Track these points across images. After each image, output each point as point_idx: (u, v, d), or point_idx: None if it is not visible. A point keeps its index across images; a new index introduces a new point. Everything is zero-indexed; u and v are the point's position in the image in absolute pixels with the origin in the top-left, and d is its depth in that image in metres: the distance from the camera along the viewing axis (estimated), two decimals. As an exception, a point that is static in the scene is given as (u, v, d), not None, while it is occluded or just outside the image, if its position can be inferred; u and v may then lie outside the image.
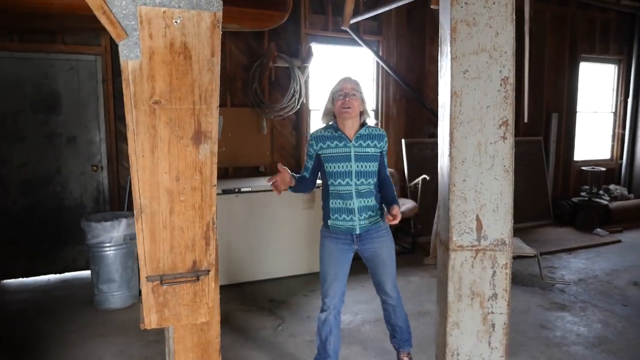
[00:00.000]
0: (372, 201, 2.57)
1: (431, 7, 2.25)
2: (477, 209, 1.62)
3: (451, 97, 1.63)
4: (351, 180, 2.51)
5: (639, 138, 7.64)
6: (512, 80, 1.63)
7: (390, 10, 5.79)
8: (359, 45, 5.72)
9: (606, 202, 6.99)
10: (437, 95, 6.40)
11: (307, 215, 4.74)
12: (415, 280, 4.65)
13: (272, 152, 5.48)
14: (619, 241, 6.17)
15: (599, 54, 7.58)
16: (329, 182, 2.56)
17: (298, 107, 5.25)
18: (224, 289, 4.29)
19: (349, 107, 2.50)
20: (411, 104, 6.16)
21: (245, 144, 5.30)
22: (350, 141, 2.54)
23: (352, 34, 5.60)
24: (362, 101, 2.59)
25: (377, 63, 5.94)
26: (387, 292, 2.73)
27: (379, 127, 3.27)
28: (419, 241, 5.69)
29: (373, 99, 6.05)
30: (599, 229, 6.53)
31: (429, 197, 5.64)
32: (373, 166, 2.55)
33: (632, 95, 7.68)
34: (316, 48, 5.45)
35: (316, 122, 5.73)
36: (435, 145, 6.32)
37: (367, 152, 2.54)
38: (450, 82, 1.64)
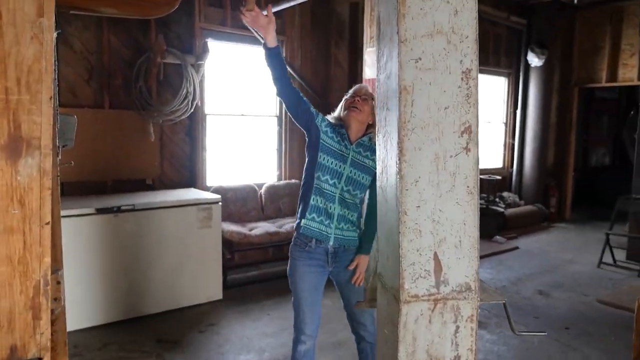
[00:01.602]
0: (353, 216, 2.34)
1: None
2: (435, 244, 1.22)
3: (400, 93, 1.20)
4: (339, 182, 2.27)
5: (527, 147, 8.06)
6: (475, 74, 1.25)
7: (295, 8, 5.37)
8: (261, 44, 5.20)
9: (502, 210, 7.22)
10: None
11: (202, 236, 4.09)
12: (326, 303, 4.22)
13: (161, 162, 4.74)
14: (517, 248, 6.34)
15: (492, 67, 7.87)
16: (316, 175, 2.27)
17: (192, 110, 4.58)
18: (98, 331, 3.50)
19: (357, 108, 2.30)
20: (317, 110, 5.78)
21: (129, 152, 4.50)
22: (351, 144, 2.32)
23: (253, 30, 5.07)
24: (373, 112, 2.30)
25: (281, 65, 5.47)
26: (367, 327, 2.39)
27: None
28: (328, 257, 5.30)
29: (276, 104, 5.57)
30: (497, 236, 6.67)
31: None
32: (365, 179, 2.32)
33: (521, 107, 8.09)
34: (213, 45, 4.83)
35: (213, 128, 5.10)
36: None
37: (365, 162, 2.32)
38: (397, 73, 1.21)
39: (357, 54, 6.01)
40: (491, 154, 8.25)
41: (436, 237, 1.25)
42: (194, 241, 4.05)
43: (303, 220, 2.31)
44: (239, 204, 4.98)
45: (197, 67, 4.59)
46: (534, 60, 7.67)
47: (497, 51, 7.89)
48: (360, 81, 6.01)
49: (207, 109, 4.99)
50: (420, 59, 1.23)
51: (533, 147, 7.97)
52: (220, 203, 4.18)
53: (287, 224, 4.87)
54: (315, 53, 5.74)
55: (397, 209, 1.24)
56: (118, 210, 3.69)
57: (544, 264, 5.63)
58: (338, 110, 2.43)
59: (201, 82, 4.74)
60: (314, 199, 2.28)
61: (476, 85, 1.27)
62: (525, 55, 7.84)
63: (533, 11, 7.86)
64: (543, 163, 8.06)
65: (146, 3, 3.94)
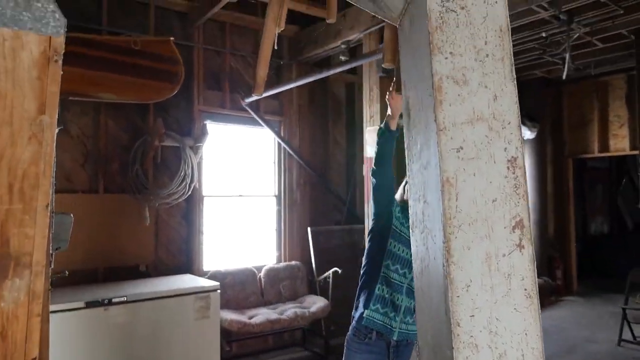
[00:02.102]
0: None
1: (383, 65, 1.78)
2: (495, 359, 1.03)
3: (442, 185, 1.08)
4: (409, 273, 2.12)
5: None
6: (521, 162, 1.14)
7: (292, 89, 5.45)
8: (260, 125, 5.22)
9: (509, 285, 6.94)
10: (342, 179, 5.87)
11: (200, 327, 3.79)
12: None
13: (156, 247, 4.52)
14: (529, 327, 6.00)
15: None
16: (385, 264, 2.15)
17: (189, 192, 4.46)
18: None
19: None
20: (316, 189, 5.69)
21: (122, 238, 4.30)
22: None
23: (252, 112, 5.10)
24: None
25: (279, 145, 5.45)
26: None
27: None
28: (332, 344, 4.94)
29: (275, 184, 5.47)
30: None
31: (341, 293, 5.00)
32: None
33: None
34: (211, 127, 4.81)
35: (210, 210, 4.95)
36: (344, 233, 5.90)
37: None
38: (438, 163, 1.09)
39: (354, 132, 6.04)
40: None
41: (495, 351, 1.06)
42: (191, 333, 3.74)
43: (366, 311, 2.13)
44: (237, 288, 4.71)
45: (196, 149, 4.52)
46: (527, 133, 7.78)
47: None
48: (360, 159, 5.99)
49: (205, 190, 4.87)
50: (461, 148, 1.12)
51: (534, 219, 7.85)
52: (218, 291, 3.93)
53: (289, 310, 4.59)
54: (313, 132, 5.75)
55: (447, 319, 1.06)
56: (109, 302, 3.43)
57: (562, 343, 5.30)
58: (401, 190, 2.30)
59: (199, 164, 4.66)
60: (379, 288, 2.13)
61: (524, 175, 1.15)
62: (517, 128, 7.96)
63: (521, 87, 8.08)
64: (545, 234, 7.92)
65: (146, 88, 3.95)
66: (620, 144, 7.67)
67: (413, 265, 1.30)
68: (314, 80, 5.56)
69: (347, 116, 6.08)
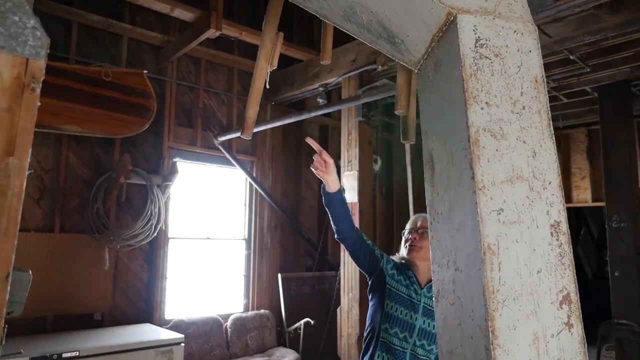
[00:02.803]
0: None
1: (397, 112, 1.65)
2: None
3: (484, 254, 0.93)
4: (410, 336, 1.93)
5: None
6: (565, 227, 1.01)
7: (266, 130, 5.32)
8: (231, 165, 5.02)
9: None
10: (314, 223, 5.66)
11: (160, 385, 3.43)
12: None
13: (114, 293, 4.15)
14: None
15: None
16: (383, 327, 1.94)
17: (155, 234, 4.16)
18: None
19: (416, 245, 2.02)
20: (287, 233, 5.48)
21: (77, 282, 3.92)
22: (422, 288, 2.00)
23: (224, 151, 4.91)
24: None
25: (251, 186, 5.26)
26: None
27: None
28: (301, 401, 4.62)
29: (245, 227, 5.23)
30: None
31: (312, 345, 4.73)
32: None
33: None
34: (181, 165, 4.58)
35: (175, 253, 4.64)
36: (316, 280, 5.67)
37: None
38: (477, 228, 0.95)
39: (327, 175, 5.92)
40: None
41: None
42: (149, 393, 3.37)
43: None
44: (200, 340, 4.36)
45: (164, 188, 4.27)
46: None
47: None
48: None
49: (171, 232, 4.58)
50: (502, 210, 0.98)
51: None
52: (182, 344, 3.60)
53: (256, 364, 4.27)
54: (286, 174, 5.60)
55: (491, 414, 0.89)
56: (59, 358, 3.05)
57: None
58: (401, 249, 2.14)
59: (166, 204, 4.39)
60: (379, 355, 1.92)
61: (568, 242, 1.02)
62: (485, 176, 8.09)
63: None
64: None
65: (116, 122, 3.72)
66: (582, 195, 7.89)
67: (438, 341, 1.13)
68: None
69: (320, 159, 5.97)
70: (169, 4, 3.93)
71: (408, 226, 2.15)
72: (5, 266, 0.67)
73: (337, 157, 5.99)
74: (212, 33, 4.01)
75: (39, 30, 0.73)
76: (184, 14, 4.07)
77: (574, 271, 1.00)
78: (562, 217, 1.03)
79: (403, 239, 2.13)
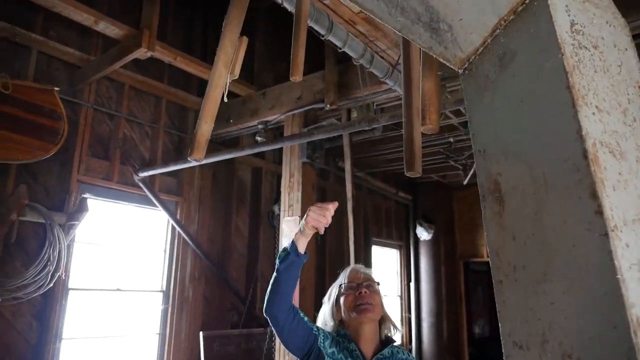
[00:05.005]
0: None
1: (424, 130, 1.28)
2: None
3: (635, 334, 0.59)
4: None
5: (423, 322, 7.77)
6: None
7: (194, 168, 4.80)
8: (153, 205, 4.40)
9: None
10: (242, 273, 5.06)
11: None
12: None
13: (-13, 361, 3.28)
14: None
15: (385, 239, 7.86)
16: None
17: (51, 284, 3.40)
18: None
19: (369, 303, 1.64)
20: (212, 284, 4.86)
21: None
22: None
23: (145, 189, 4.30)
24: (381, 302, 1.72)
25: (173, 230, 4.63)
26: None
27: (401, 343, 2.12)
28: None
29: (164, 276, 4.55)
30: None
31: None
32: None
33: (414, 279, 8.00)
34: (92, 202, 3.90)
35: (76, 306, 3.84)
36: (242, 338, 5.00)
37: None
38: (619, 292, 0.60)
39: (258, 221, 5.46)
40: (389, 330, 7.76)
41: None
42: None
43: None
44: (100, 417, 3.55)
45: (68, 228, 3.56)
46: (424, 234, 7.86)
47: (389, 224, 7.99)
48: (264, 252, 5.34)
49: (72, 281, 3.80)
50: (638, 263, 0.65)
51: (430, 322, 7.71)
52: None
53: None
54: (213, 218, 5.05)
55: None
56: None
57: None
58: (330, 313, 1.69)
59: (69, 247, 3.66)
60: None
61: None
62: (414, 228, 8.05)
63: (417, 188, 8.35)
64: (440, 338, 7.75)
65: (14, 145, 3.04)
66: (505, 249, 8.07)
67: None
68: (219, 162, 4.99)
69: (251, 203, 5.51)
70: (93, 16, 3.42)
71: (345, 280, 1.74)
72: None
73: (271, 202, 5.56)
74: (142, 53, 3.53)
75: None
76: (110, 29, 3.56)
77: None
78: None
79: (342, 297, 1.70)
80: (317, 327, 1.63)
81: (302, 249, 1.47)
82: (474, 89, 0.90)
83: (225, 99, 1.56)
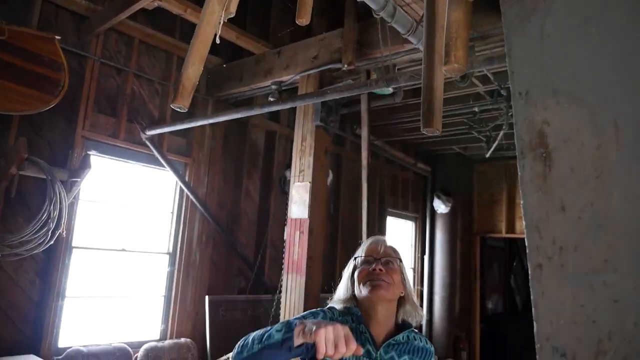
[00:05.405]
0: None
1: (447, 72, 1.06)
2: None
3: None
4: None
5: (435, 296, 7.64)
6: None
7: (205, 128, 4.63)
8: (160, 165, 4.27)
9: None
10: (251, 239, 4.89)
11: None
12: None
13: (-11, 315, 3.24)
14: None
15: (401, 210, 7.67)
16: None
17: (52, 241, 3.31)
18: None
19: (384, 281, 1.44)
20: (220, 249, 4.76)
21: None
22: (378, 349, 1.43)
23: (152, 148, 4.15)
24: (405, 279, 1.51)
25: (181, 192, 4.51)
26: None
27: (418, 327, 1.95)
28: None
29: (170, 238, 4.46)
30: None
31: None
32: None
33: (428, 252, 7.83)
34: (96, 160, 3.77)
35: (80, 265, 3.78)
36: (249, 304, 4.90)
37: None
38: None
39: (270, 186, 5.30)
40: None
41: None
42: None
43: None
44: (102, 376, 3.52)
45: (70, 185, 3.44)
46: (441, 207, 7.63)
47: (405, 195, 7.78)
48: (276, 218, 5.21)
49: (76, 240, 3.72)
50: None
51: (442, 296, 7.57)
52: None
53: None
54: (223, 182, 4.90)
55: None
56: None
57: None
58: (345, 289, 1.51)
59: (72, 205, 3.56)
60: None
61: None
62: (432, 201, 7.82)
63: (437, 160, 8.07)
64: (452, 313, 7.63)
65: (11, 94, 2.88)
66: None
67: None
68: (231, 123, 4.82)
69: (264, 168, 5.34)
70: (97, -40, 3.19)
71: (362, 253, 1.55)
72: None
73: (284, 168, 5.38)
74: (149, 2, 3.31)
75: None
76: (116, -25, 3.34)
77: None
78: None
79: (356, 271, 1.52)
80: (325, 313, 1.45)
81: (297, 342, 1.18)
82: (518, 12, 0.68)
83: (218, 40, 1.36)
